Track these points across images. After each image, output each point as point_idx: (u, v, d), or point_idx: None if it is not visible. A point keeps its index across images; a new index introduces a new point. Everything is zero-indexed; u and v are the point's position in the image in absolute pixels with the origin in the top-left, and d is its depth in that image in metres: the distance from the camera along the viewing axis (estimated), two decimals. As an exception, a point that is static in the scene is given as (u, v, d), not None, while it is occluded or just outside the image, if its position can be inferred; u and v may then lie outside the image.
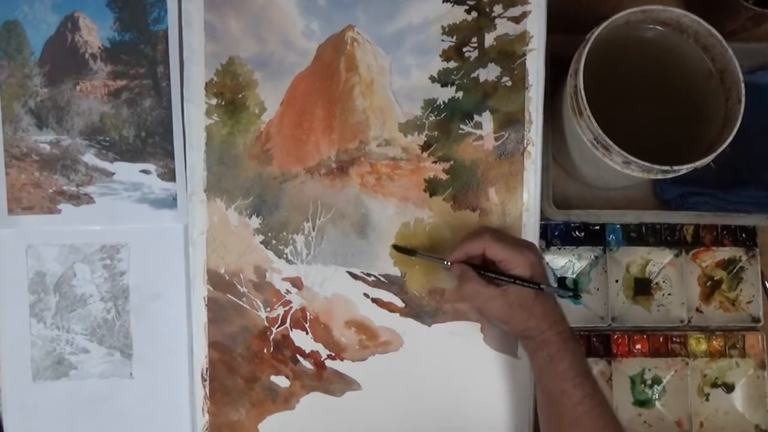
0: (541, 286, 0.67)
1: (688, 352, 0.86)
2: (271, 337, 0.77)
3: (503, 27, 0.77)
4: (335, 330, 0.78)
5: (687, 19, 0.73)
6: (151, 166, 0.78)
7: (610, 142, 0.69)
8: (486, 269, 0.69)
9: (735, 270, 0.88)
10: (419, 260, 0.76)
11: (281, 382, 0.77)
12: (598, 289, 0.86)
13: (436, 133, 0.77)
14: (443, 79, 0.77)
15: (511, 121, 0.77)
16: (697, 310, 0.88)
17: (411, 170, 0.77)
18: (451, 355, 0.78)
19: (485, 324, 0.77)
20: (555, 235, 0.87)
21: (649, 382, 0.86)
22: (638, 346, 0.86)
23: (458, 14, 0.77)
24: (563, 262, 0.87)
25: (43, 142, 0.78)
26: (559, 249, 0.87)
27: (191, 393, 0.77)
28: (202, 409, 0.77)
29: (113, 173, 0.78)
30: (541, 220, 0.79)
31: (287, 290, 0.78)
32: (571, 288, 0.68)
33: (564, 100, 0.75)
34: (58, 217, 0.78)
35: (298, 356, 0.77)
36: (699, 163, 0.70)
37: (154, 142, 0.78)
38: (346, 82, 0.77)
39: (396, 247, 0.76)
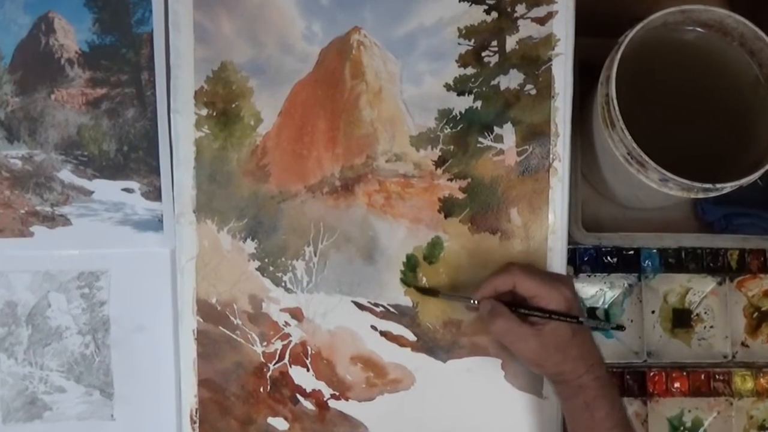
0: (581, 319, 0.67)
1: (732, 391, 0.86)
2: (268, 375, 0.77)
3: (527, 29, 0.76)
4: (339, 366, 0.77)
5: (731, 21, 0.73)
6: (134, 184, 0.78)
7: (646, 158, 0.69)
8: (516, 306, 0.68)
9: (785, 300, 0.88)
10: (442, 299, 0.76)
11: (279, 424, 0.77)
12: (632, 321, 0.86)
13: (451, 147, 0.77)
14: (460, 87, 0.77)
15: (536, 133, 0.77)
16: (743, 344, 0.87)
17: (424, 188, 0.77)
18: (468, 395, 0.77)
19: (507, 359, 0.77)
20: (584, 260, 0.86)
21: (689, 424, 0.85)
22: (677, 385, 0.86)
23: (476, 15, 0.76)
24: (593, 291, 0.86)
25: (13, 158, 0.78)
26: (589, 276, 0.86)
27: (179, 437, 0.77)
28: (191, 455, 0.77)
29: (92, 192, 0.78)
30: (569, 244, 0.78)
31: (286, 322, 0.77)
32: (612, 323, 0.68)
33: (594, 110, 0.75)
34: (30, 240, 0.78)
35: (298, 396, 0.77)
36: (744, 181, 0.70)
37: (137, 158, 0.78)
38: (351, 90, 0.77)
39: (417, 288, 0.77)
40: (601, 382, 0.66)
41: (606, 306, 0.86)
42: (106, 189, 0.78)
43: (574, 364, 0.66)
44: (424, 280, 0.77)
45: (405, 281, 0.77)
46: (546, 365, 0.67)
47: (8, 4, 0.77)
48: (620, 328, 0.70)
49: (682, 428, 0.85)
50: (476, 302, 0.71)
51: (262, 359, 0.77)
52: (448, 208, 0.77)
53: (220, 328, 0.77)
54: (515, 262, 0.71)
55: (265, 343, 0.77)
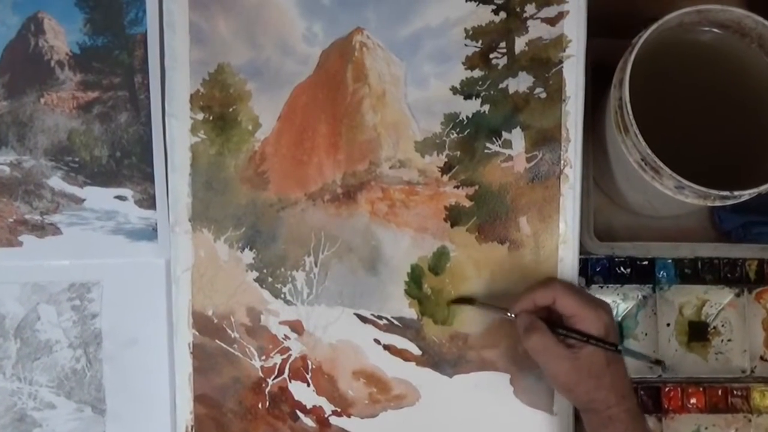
0: (619, 347, 0.67)
1: (750, 407, 0.85)
2: (267, 390, 0.77)
3: (536, 30, 0.76)
4: (341, 381, 0.77)
5: (750, 21, 0.72)
6: (127, 192, 0.78)
7: (661, 164, 0.68)
8: (554, 325, 0.69)
9: (806, 312, 0.87)
10: (477, 308, 0.76)
11: (278, 442, 0.77)
12: (646, 335, 0.85)
13: (458, 153, 0.77)
14: (467, 90, 0.76)
15: (546, 139, 0.76)
16: (762, 358, 0.86)
17: (429, 196, 0.77)
18: (476, 411, 0.77)
19: (516, 374, 0.77)
20: (596, 271, 0.86)
21: (706, 441, 0.85)
22: (693, 401, 0.85)
23: (484, 15, 0.76)
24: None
25: (1, 164, 0.78)
26: (602, 288, 0.86)
27: (174, 455, 0.77)
28: (187, 475, 0.77)
29: (83, 200, 0.78)
30: (581, 254, 0.78)
31: (285, 335, 0.77)
32: (651, 356, 0.69)
33: (607, 114, 0.75)
34: (19, 250, 0.78)
35: (298, 412, 0.77)
36: (764, 188, 0.69)
37: (130, 164, 0.78)
38: (353, 93, 0.77)
39: (454, 300, 0.76)
40: (631, 414, 0.66)
41: (619, 319, 0.85)
42: (98, 196, 0.78)
43: (607, 394, 0.66)
44: (429, 291, 0.76)
45: (409, 292, 0.77)
46: (577, 391, 0.67)
47: (-5, 4, 0.77)
48: (659, 363, 0.70)
49: (698, 446, 0.85)
50: (513, 315, 0.70)
51: (260, 374, 0.77)
52: (454, 216, 0.77)
53: (217, 341, 0.77)
54: (556, 278, 0.72)
55: (263, 357, 0.77)
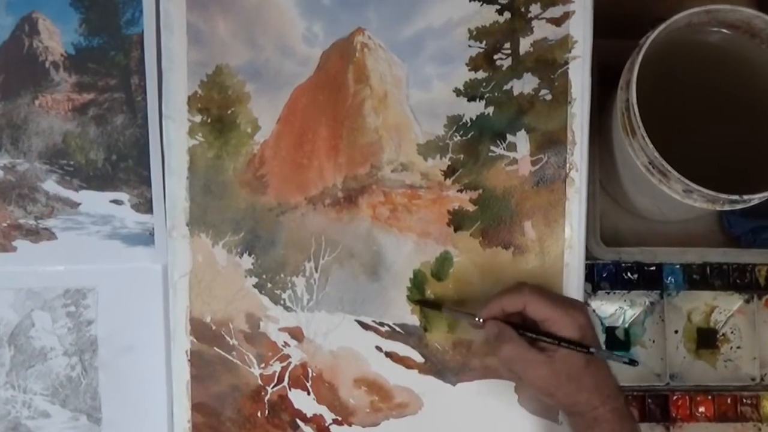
0: (591, 349, 0.65)
1: (760, 416, 0.85)
2: (266, 398, 0.77)
3: (542, 30, 0.76)
4: (342, 390, 0.77)
5: (760, 21, 0.72)
6: (123, 196, 0.78)
7: (669, 167, 0.68)
8: (525, 329, 0.67)
9: (817, 319, 0.87)
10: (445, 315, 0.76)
11: (278, 451, 0.77)
12: (653, 342, 0.85)
13: (461, 156, 0.76)
14: (470, 92, 0.76)
15: (551, 141, 0.76)
16: (772, 366, 0.87)
17: (432, 200, 0.77)
18: (479, 420, 0.77)
19: (520, 382, 0.76)
20: (603, 277, 0.86)
21: (715, 451, 0.85)
22: (701, 409, 0.85)
23: (488, 15, 0.76)
24: (613, 309, 0.86)
25: None
26: (608, 294, 0.86)
27: (171, 464, 0.77)
28: (185, 485, 0.76)
29: (79, 204, 0.78)
30: (587, 259, 0.78)
31: (285, 342, 0.77)
32: (626, 356, 0.67)
33: (614, 117, 0.75)
34: (13, 255, 0.78)
35: (298, 421, 0.77)
36: (774, 192, 0.69)
37: (127, 167, 0.78)
38: (354, 95, 0.77)
39: (419, 302, 0.76)
40: (618, 414, 0.64)
41: (626, 325, 0.85)
42: (93, 201, 0.78)
43: (589, 395, 0.65)
44: (432, 297, 0.76)
45: (410, 297, 0.77)
46: (558, 395, 0.66)
47: (-10, 4, 0.77)
48: (633, 363, 0.69)
49: (707, 455, 0.85)
50: (481, 320, 0.69)
51: (259, 382, 0.77)
52: (457, 221, 0.76)
53: (215, 348, 0.76)
54: (526, 282, 0.70)
55: (262, 365, 0.77)
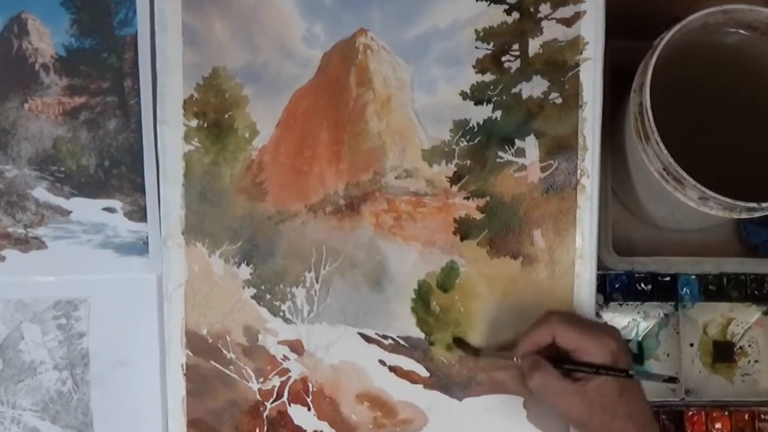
0: (630, 372, 0.66)
1: (780, 432, 0.86)
2: (265, 414, 0.77)
3: (551, 31, 0.75)
4: (344, 405, 0.77)
5: (778, 22, 0.72)
6: (116, 203, 0.78)
7: (684, 174, 0.68)
8: (560, 361, 0.68)
9: (839, 331, 0.88)
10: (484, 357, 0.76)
11: (277, 469, 0.78)
12: (668, 355, 0.85)
13: (468, 162, 0.76)
14: (477, 95, 0.76)
15: (562, 147, 0.76)
16: (791, 380, 0.87)
17: (437, 208, 0.76)
18: None
19: (529, 398, 0.76)
20: (615, 288, 0.86)
21: (732, 470, 0.85)
22: (718, 425, 0.85)
23: (496, 15, 0.76)
24: (626, 321, 0.86)
25: None
26: (621, 305, 0.86)
27: (166, 483, 0.78)
28: (180, 504, 0.77)
29: (70, 212, 0.78)
30: (599, 269, 0.77)
31: (284, 356, 0.77)
32: (665, 375, 0.69)
33: (626, 121, 0.75)
34: (1, 265, 0.78)
35: None
36: (794, 199, 0.69)
37: (120, 174, 0.78)
38: (357, 99, 0.77)
39: (457, 341, 0.76)
40: None
41: (639, 338, 0.85)
42: (85, 208, 0.78)
43: (624, 424, 0.65)
44: (438, 309, 0.76)
45: (416, 311, 0.77)
46: (592, 425, 0.66)
47: (-23, 5, 0.77)
48: (674, 380, 0.70)
49: (724, 474, 0.85)
50: (518, 360, 0.70)
51: (258, 397, 0.77)
52: (464, 229, 0.76)
53: (212, 362, 0.76)
54: (555, 311, 0.71)
55: (261, 380, 0.77)
